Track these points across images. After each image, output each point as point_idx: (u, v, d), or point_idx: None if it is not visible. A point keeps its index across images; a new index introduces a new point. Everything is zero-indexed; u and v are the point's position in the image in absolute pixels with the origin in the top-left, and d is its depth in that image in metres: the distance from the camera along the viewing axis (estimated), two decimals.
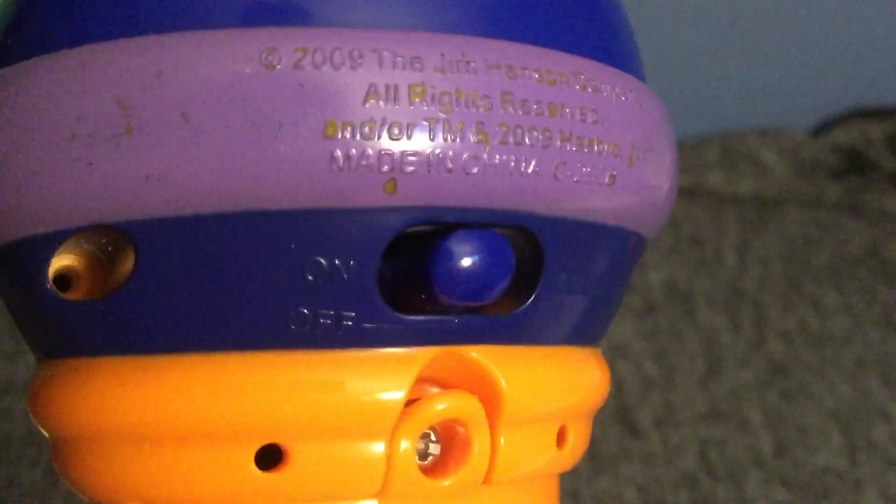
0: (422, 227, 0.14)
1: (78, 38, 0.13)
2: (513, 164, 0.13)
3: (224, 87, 0.13)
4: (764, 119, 0.44)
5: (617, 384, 0.34)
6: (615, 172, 0.14)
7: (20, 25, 0.14)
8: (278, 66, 0.13)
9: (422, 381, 0.15)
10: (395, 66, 0.13)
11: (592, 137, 0.14)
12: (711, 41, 0.42)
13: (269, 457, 0.14)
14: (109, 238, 0.14)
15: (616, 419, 0.33)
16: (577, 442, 0.17)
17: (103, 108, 0.13)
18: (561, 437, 0.16)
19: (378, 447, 0.14)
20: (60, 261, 0.14)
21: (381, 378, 0.14)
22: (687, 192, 0.42)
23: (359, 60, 0.13)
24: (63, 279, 0.14)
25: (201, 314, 0.14)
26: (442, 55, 0.13)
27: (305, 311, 0.14)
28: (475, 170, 0.13)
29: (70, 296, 0.14)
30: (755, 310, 0.38)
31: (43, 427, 0.15)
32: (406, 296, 0.14)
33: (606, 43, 0.15)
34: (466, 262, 0.14)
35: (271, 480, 0.14)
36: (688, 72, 0.42)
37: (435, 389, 0.15)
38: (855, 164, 0.43)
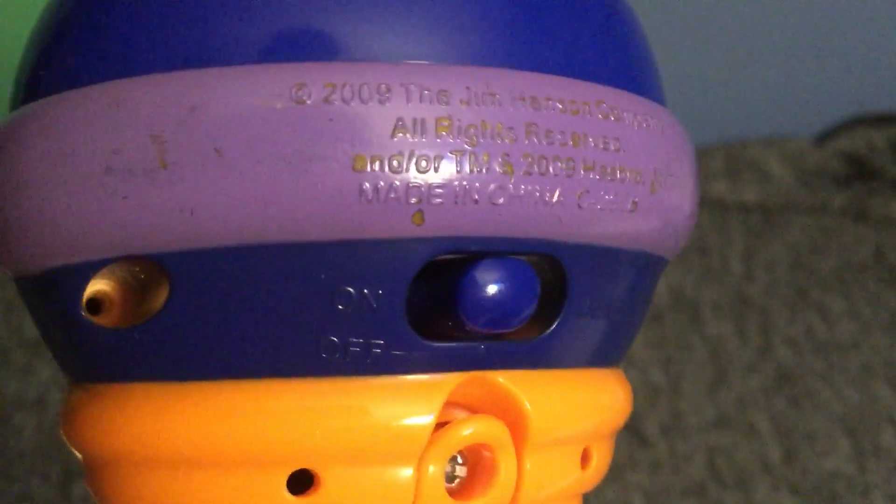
0: (449, 256, 0.14)
1: (110, 73, 0.14)
2: (538, 193, 0.14)
3: (256, 122, 0.13)
4: (768, 127, 0.45)
5: None
6: (637, 199, 0.15)
7: (52, 59, 0.15)
8: (308, 102, 0.13)
9: (450, 405, 0.15)
10: (422, 99, 0.13)
11: (615, 165, 0.14)
12: (715, 50, 0.42)
13: (301, 482, 0.14)
14: (142, 266, 0.14)
15: (624, 428, 0.33)
16: (601, 462, 0.17)
17: (138, 142, 0.13)
18: (585, 459, 0.16)
19: (406, 472, 0.14)
20: (93, 286, 0.14)
21: (409, 404, 0.14)
22: None
23: (387, 95, 0.13)
24: (95, 304, 0.15)
25: (234, 343, 0.14)
26: (468, 88, 0.13)
27: (335, 339, 0.14)
28: (501, 200, 0.14)
29: (101, 321, 0.15)
30: (762, 317, 0.38)
31: (76, 449, 0.16)
32: (434, 323, 0.14)
33: (628, 70, 0.16)
34: (492, 290, 0.14)
35: None
36: (691, 81, 0.42)
37: (462, 413, 0.15)
38: (859, 170, 0.43)
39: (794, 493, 0.32)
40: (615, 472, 0.32)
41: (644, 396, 0.34)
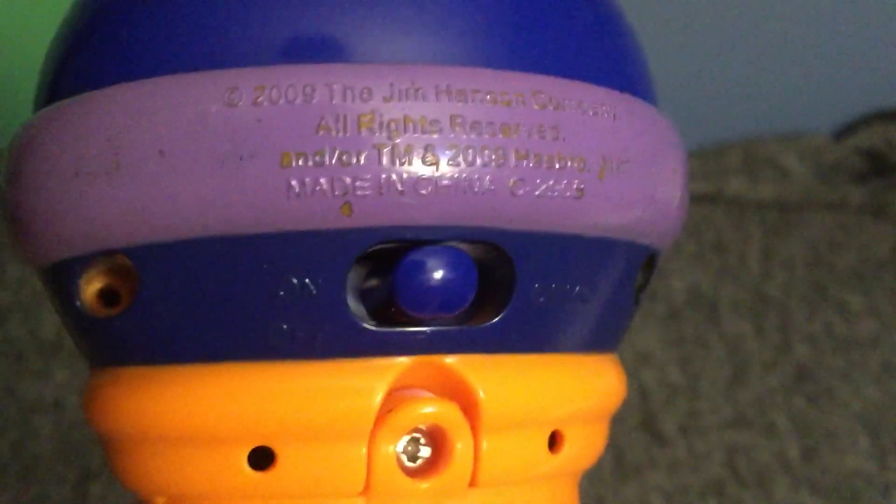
0: (393, 244, 0.15)
1: (84, 86, 0.15)
2: (465, 183, 0.14)
3: (194, 125, 0.14)
4: (785, 123, 0.44)
5: (642, 392, 0.34)
6: (583, 186, 0.15)
7: (46, 75, 0.17)
8: (240, 104, 0.14)
9: (411, 387, 0.16)
10: (345, 97, 0.14)
11: (552, 153, 0.15)
12: (731, 46, 0.42)
13: (262, 458, 0.15)
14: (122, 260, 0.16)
15: (641, 427, 0.33)
16: (580, 445, 0.17)
17: (98, 147, 0.15)
18: (555, 442, 0.17)
19: (359, 450, 0.15)
20: (102, 279, 0.16)
21: (355, 386, 0.15)
22: (709, 199, 0.42)
23: (311, 94, 0.14)
24: (110, 294, 0.16)
25: (195, 329, 0.15)
26: (391, 84, 0.14)
27: (284, 325, 0.15)
28: (425, 190, 0.14)
29: (114, 311, 0.16)
30: (780, 315, 0.38)
31: (91, 427, 0.17)
32: (384, 308, 0.15)
33: (576, 59, 0.16)
34: (426, 277, 0.15)
35: (263, 479, 0.15)
36: (709, 78, 0.42)
37: (426, 395, 0.16)
38: (877, 166, 0.43)
39: (814, 491, 0.31)
40: (633, 471, 0.32)
41: (662, 395, 0.34)
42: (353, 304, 0.15)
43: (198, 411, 0.15)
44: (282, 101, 0.14)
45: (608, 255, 0.16)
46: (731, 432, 0.33)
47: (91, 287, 0.16)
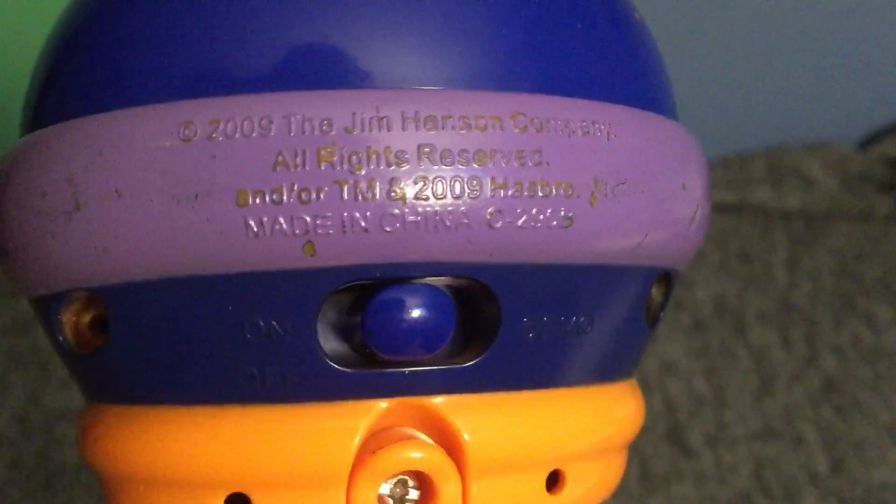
0: (365, 282, 0.14)
1: (46, 121, 0.15)
2: (435, 218, 0.13)
3: (148, 162, 0.13)
4: (810, 133, 0.44)
5: (667, 403, 0.34)
6: (571, 213, 0.14)
7: (24, 105, 0.16)
8: (194, 139, 0.13)
9: (390, 429, 0.15)
10: (304, 130, 0.13)
11: (534, 180, 0.14)
12: (755, 56, 0.42)
13: None
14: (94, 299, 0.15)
15: (667, 438, 0.33)
16: (586, 482, 0.16)
17: (58, 185, 0.14)
18: (555, 482, 0.16)
19: (336, 496, 0.14)
20: (82, 316, 0.16)
21: (329, 431, 0.14)
22: (734, 208, 0.42)
23: (268, 127, 0.13)
24: (93, 331, 0.16)
25: (165, 370, 0.15)
26: (353, 114, 0.13)
27: (253, 368, 0.14)
28: (391, 228, 0.13)
29: (91, 348, 0.15)
30: (807, 325, 0.37)
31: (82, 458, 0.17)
32: (361, 347, 0.14)
33: (564, 73, 0.15)
34: (397, 317, 0.14)
35: None
36: (733, 87, 0.42)
37: (416, 434, 0.15)
38: None
39: (843, 503, 0.31)
40: (659, 483, 0.32)
41: (688, 406, 0.34)
42: (333, 343, 0.14)
43: (170, 454, 0.15)
44: (237, 136, 0.13)
45: (610, 282, 0.15)
46: (758, 444, 0.33)
47: (69, 324, 0.15)
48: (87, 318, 0.15)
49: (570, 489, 0.16)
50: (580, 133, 0.14)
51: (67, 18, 0.15)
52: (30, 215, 0.14)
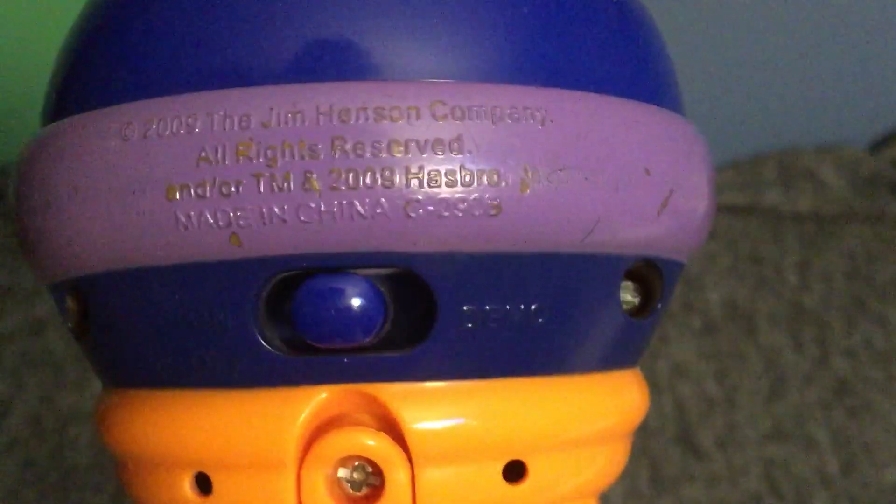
0: (299, 272, 0.14)
1: (44, 120, 0.16)
2: (352, 208, 0.14)
3: (96, 161, 0.14)
4: (821, 135, 0.44)
5: (678, 405, 0.34)
6: (497, 201, 0.14)
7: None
8: (132, 138, 0.14)
9: (346, 415, 0.15)
10: (224, 126, 0.14)
11: (454, 168, 0.14)
12: (767, 59, 0.42)
13: (204, 484, 0.16)
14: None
15: (678, 440, 0.33)
16: (553, 475, 0.16)
17: (37, 184, 0.15)
18: (515, 472, 0.16)
19: (286, 479, 0.15)
20: (79, 305, 0.17)
21: (273, 415, 0.15)
22: (745, 210, 0.42)
23: (193, 124, 0.14)
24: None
25: (132, 355, 0.16)
26: (270, 109, 0.14)
27: (202, 355, 0.15)
28: (308, 218, 0.14)
29: (84, 335, 0.17)
30: (818, 328, 0.37)
31: None
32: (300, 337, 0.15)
33: (500, 61, 0.14)
34: (320, 306, 0.14)
35: None
36: (744, 90, 0.42)
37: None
38: None
39: None
40: (670, 485, 0.32)
41: (699, 408, 0.34)
42: (279, 332, 0.15)
43: (143, 434, 0.16)
44: (167, 133, 0.14)
45: (564, 270, 0.15)
46: (769, 446, 0.33)
47: (71, 311, 0.16)
48: (77, 306, 0.16)
49: (533, 480, 0.16)
50: (508, 120, 0.14)
51: (75, 32, 0.17)
52: (24, 211, 0.16)
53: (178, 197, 0.14)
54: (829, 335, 0.37)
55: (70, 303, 0.16)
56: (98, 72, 0.15)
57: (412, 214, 0.14)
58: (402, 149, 0.14)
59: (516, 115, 0.14)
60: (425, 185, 0.14)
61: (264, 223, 0.14)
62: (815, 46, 0.42)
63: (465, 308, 0.15)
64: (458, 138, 0.14)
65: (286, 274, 0.14)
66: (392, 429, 0.15)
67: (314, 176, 0.14)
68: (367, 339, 0.14)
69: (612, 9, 0.16)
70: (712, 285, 0.39)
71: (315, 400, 0.15)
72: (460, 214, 0.14)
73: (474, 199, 0.14)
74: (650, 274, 0.16)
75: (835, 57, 0.42)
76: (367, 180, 0.14)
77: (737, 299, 0.38)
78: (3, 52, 0.36)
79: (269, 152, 0.14)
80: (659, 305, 0.17)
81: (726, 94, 0.42)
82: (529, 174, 0.14)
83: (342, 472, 0.15)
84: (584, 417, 0.16)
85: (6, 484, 0.31)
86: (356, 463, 0.15)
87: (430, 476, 0.15)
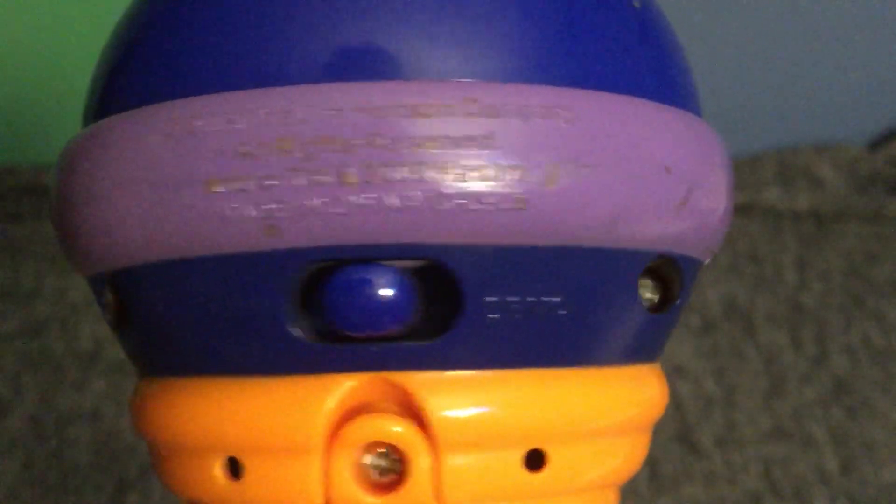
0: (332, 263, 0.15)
1: (86, 120, 0.17)
2: (384, 201, 0.14)
3: (139, 156, 0.15)
4: (820, 134, 0.44)
5: (677, 404, 0.34)
6: (525, 195, 0.14)
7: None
8: (174, 134, 0.15)
9: (374, 403, 0.16)
10: (267, 122, 0.14)
11: (483, 164, 0.14)
12: (766, 57, 0.42)
13: (235, 468, 0.16)
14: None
15: (677, 439, 0.33)
16: (573, 465, 0.16)
17: (80, 180, 0.16)
18: (535, 461, 0.16)
19: (313, 464, 0.16)
20: (115, 297, 0.17)
21: (301, 402, 0.15)
22: (744, 209, 0.42)
23: (234, 120, 0.14)
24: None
25: (167, 345, 0.16)
26: (310, 106, 0.14)
27: (236, 344, 0.15)
28: (342, 210, 0.14)
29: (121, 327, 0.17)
30: (817, 326, 0.37)
31: None
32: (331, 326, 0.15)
33: (529, 61, 0.15)
34: (351, 295, 0.15)
35: (236, 488, 0.16)
36: (743, 88, 0.42)
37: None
38: None
39: (853, 503, 0.31)
40: (669, 484, 0.32)
41: (698, 407, 0.34)
42: (310, 321, 0.15)
43: (176, 421, 0.16)
44: (209, 129, 0.14)
45: (587, 264, 0.16)
46: (768, 444, 0.33)
47: (109, 303, 0.17)
48: (115, 297, 0.17)
49: (553, 469, 0.16)
50: (537, 119, 0.15)
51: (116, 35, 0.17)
52: (66, 205, 0.16)
53: (218, 190, 0.14)
54: (827, 333, 0.37)
55: (109, 294, 0.17)
56: (142, 71, 0.16)
57: (443, 208, 0.14)
58: (435, 145, 0.14)
59: (545, 114, 0.15)
60: (456, 179, 0.14)
61: (301, 215, 0.14)
62: (814, 45, 0.42)
63: (490, 299, 0.15)
64: (490, 135, 0.14)
65: (320, 265, 0.15)
66: (417, 416, 0.15)
67: (351, 170, 0.14)
68: (396, 329, 0.15)
69: (635, 15, 0.16)
70: (711, 284, 0.39)
71: (343, 387, 0.15)
72: (489, 208, 0.14)
73: (502, 193, 0.14)
74: (669, 271, 0.17)
75: (834, 56, 0.42)
76: (401, 175, 0.14)
77: (735, 298, 0.38)
78: (4, 52, 0.36)
79: (308, 148, 0.14)
80: (678, 302, 0.17)
81: (726, 94, 0.42)
82: (555, 170, 0.15)
83: (368, 459, 0.16)
84: (604, 409, 0.17)
85: (6, 484, 0.31)
86: (381, 449, 0.16)
87: (453, 463, 0.15)
